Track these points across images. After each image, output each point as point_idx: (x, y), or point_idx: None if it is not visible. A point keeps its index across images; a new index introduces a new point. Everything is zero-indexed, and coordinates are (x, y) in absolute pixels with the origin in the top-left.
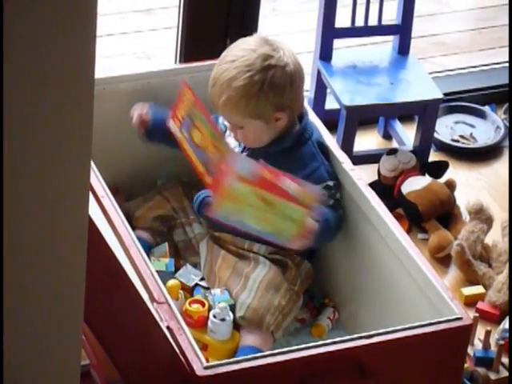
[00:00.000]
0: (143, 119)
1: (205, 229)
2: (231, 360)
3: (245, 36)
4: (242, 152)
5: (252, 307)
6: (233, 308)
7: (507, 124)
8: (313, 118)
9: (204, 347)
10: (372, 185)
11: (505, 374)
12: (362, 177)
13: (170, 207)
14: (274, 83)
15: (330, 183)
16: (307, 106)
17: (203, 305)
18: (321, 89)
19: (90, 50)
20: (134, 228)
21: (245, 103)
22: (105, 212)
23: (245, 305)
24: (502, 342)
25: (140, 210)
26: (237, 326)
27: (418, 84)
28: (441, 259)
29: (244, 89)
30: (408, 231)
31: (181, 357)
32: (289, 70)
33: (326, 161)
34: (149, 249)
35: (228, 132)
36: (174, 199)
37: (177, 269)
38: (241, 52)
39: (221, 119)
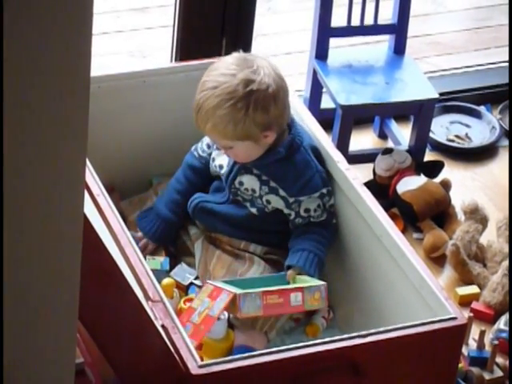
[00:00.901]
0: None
1: (200, 229)
2: (226, 359)
3: (241, 35)
4: (233, 168)
5: None
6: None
7: (503, 124)
8: (308, 117)
9: (199, 346)
10: (367, 184)
11: (499, 373)
12: (357, 176)
13: None
14: (258, 106)
15: (324, 190)
16: (303, 106)
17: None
18: (316, 88)
19: (85, 48)
20: (128, 229)
21: (231, 129)
22: (100, 211)
23: None
24: (496, 342)
25: (135, 214)
26: (231, 325)
27: (414, 84)
28: (436, 259)
29: (229, 116)
30: (403, 231)
31: (175, 355)
32: (271, 90)
33: (320, 165)
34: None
35: (216, 148)
36: None
37: (172, 268)
38: (221, 78)
39: (202, 144)
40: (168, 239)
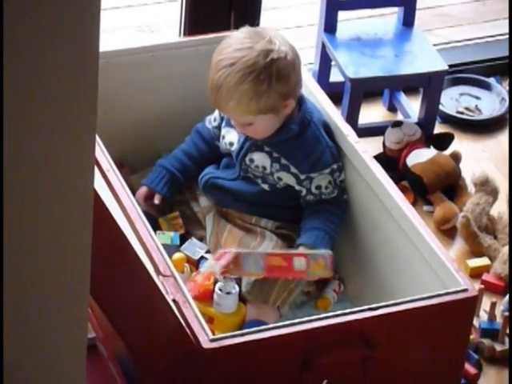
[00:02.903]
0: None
1: (211, 203)
2: (237, 333)
3: (249, 9)
4: (244, 145)
5: (258, 282)
6: (238, 281)
7: None
8: (317, 91)
9: (210, 320)
10: (377, 157)
11: None
12: (367, 149)
13: None
14: (280, 75)
15: (335, 166)
16: (312, 80)
17: (208, 278)
18: (325, 61)
19: (94, 23)
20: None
21: (255, 103)
22: (110, 186)
23: (251, 280)
24: (507, 314)
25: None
26: (243, 300)
27: (423, 56)
28: (446, 231)
29: (252, 90)
30: (413, 203)
31: (187, 330)
32: (290, 57)
33: (331, 140)
34: (154, 222)
35: (225, 125)
36: None
37: (182, 242)
38: (238, 53)
39: (212, 117)
40: (166, 187)
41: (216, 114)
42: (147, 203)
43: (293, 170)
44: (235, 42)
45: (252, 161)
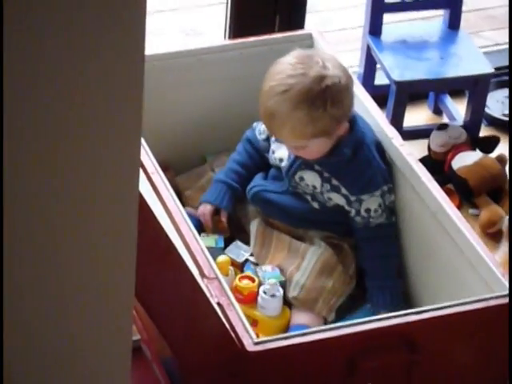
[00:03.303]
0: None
1: (257, 210)
2: (281, 336)
3: (294, 12)
4: (294, 163)
5: (306, 288)
6: (283, 284)
7: None
8: (362, 94)
9: (254, 323)
10: (422, 160)
11: None
12: (412, 152)
13: None
14: (334, 100)
15: (385, 188)
16: (357, 83)
17: (253, 281)
18: (370, 64)
19: (140, 26)
20: (184, 205)
21: (310, 128)
22: (155, 188)
23: (298, 285)
24: None
25: (191, 190)
26: (289, 304)
27: (469, 58)
28: (492, 235)
29: (308, 116)
30: (459, 207)
31: (231, 332)
32: (343, 81)
33: (382, 160)
34: (199, 225)
35: (275, 140)
36: None
37: (226, 245)
38: (291, 79)
39: (261, 128)
40: (229, 202)
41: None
42: (213, 220)
43: (343, 191)
44: (288, 68)
45: (302, 179)
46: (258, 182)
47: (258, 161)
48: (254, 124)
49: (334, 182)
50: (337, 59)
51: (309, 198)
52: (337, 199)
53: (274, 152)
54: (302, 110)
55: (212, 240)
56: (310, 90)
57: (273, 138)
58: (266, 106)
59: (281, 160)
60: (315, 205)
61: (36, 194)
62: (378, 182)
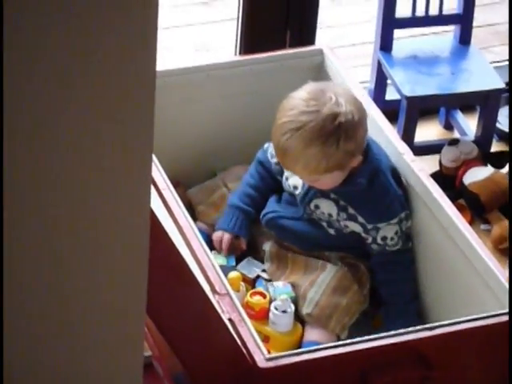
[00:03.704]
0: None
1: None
2: (293, 352)
3: (305, 28)
4: (309, 191)
5: (320, 305)
6: (294, 300)
7: None
8: (373, 109)
9: (265, 339)
10: (433, 176)
11: None
12: (423, 168)
13: None
14: (347, 136)
15: (403, 215)
16: (368, 98)
17: (264, 296)
18: (381, 79)
19: (151, 42)
20: (195, 219)
21: (324, 164)
22: (166, 205)
23: (313, 302)
24: None
25: (203, 205)
26: (302, 321)
27: (480, 74)
28: (504, 250)
29: (321, 153)
30: (470, 222)
31: (242, 349)
32: (357, 117)
33: (399, 187)
34: (209, 239)
35: (286, 170)
36: None
37: (238, 262)
38: (304, 116)
39: (271, 151)
40: (247, 229)
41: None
42: (229, 248)
43: (360, 219)
44: (300, 104)
45: (317, 207)
46: (271, 207)
47: (271, 183)
48: (266, 145)
49: (351, 210)
50: (350, 93)
51: (324, 224)
52: (353, 227)
53: (287, 179)
54: (316, 147)
55: (223, 258)
56: (323, 127)
57: None
58: (278, 141)
59: (295, 187)
60: (331, 231)
61: (47, 211)
62: (396, 210)
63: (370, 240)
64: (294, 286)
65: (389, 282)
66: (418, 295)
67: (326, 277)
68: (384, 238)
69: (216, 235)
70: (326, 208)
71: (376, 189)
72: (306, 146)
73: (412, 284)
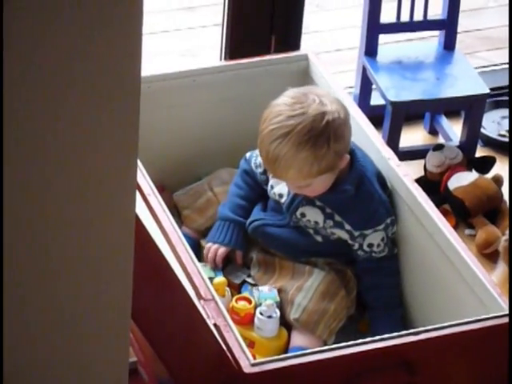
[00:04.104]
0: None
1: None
2: (278, 357)
3: (290, 33)
4: (294, 199)
5: (307, 310)
6: (279, 306)
7: None
8: (358, 114)
9: (251, 344)
10: (418, 181)
11: None
12: (408, 173)
13: (215, 212)
14: (336, 135)
15: (389, 221)
16: (353, 103)
17: (250, 302)
18: (366, 85)
19: (135, 48)
20: (181, 223)
21: (316, 166)
22: (151, 210)
23: (300, 307)
24: None
25: (189, 210)
26: (289, 326)
27: (465, 79)
28: (488, 255)
29: (313, 155)
30: (455, 227)
31: (228, 354)
32: (342, 115)
33: (384, 193)
34: (195, 244)
35: (273, 178)
36: (225, 198)
37: (223, 267)
38: (292, 120)
39: (258, 161)
40: (243, 242)
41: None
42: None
43: (347, 227)
44: (286, 109)
45: (304, 215)
46: (257, 215)
47: (260, 191)
48: (248, 155)
49: (337, 218)
50: (330, 94)
51: (311, 231)
52: (340, 234)
53: (272, 187)
54: (307, 150)
55: (210, 270)
56: (312, 128)
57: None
58: (267, 150)
59: (280, 196)
60: (318, 238)
61: (31, 216)
62: (382, 217)
63: (356, 246)
64: (280, 290)
65: (374, 288)
66: (403, 301)
67: (314, 282)
68: (370, 245)
69: (211, 248)
70: (313, 216)
71: (362, 195)
72: (297, 150)
73: (397, 290)
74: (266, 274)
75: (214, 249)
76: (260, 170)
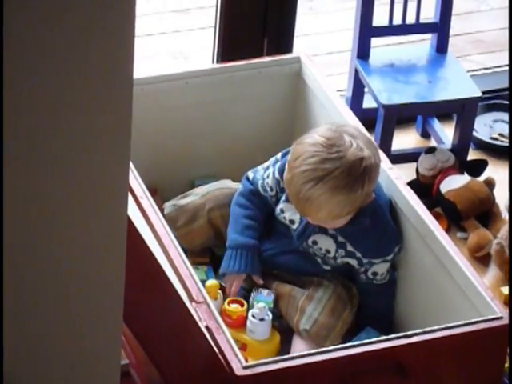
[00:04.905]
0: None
1: None
2: (270, 360)
3: (282, 36)
4: (307, 227)
5: (318, 324)
6: (272, 310)
7: None
8: (350, 117)
9: (243, 347)
10: (410, 184)
11: None
12: (400, 176)
13: (212, 235)
14: (370, 179)
15: (397, 249)
16: (345, 106)
17: (242, 304)
18: (358, 88)
19: (128, 50)
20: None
21: (348, 209)
22: (143, 213)
23: (311, 319)
24: None
25: (183, 230)
26: (277, 328)
27: (457, 82)
28: (480, 258)
29: (346, 199)
30: (447, 230)
31: (220, 357)
32: (377, 159)
33: (393, 222)
34: (185, 252)
35: (285, 200)
36: (224, 223)
37: (216, 273)
38: (328, 164)
39: (267, 184)
40: (258, 265)
41: (270, 181)
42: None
43: (358, 255)
44: (322, 151)
45: (315, 243)
46: (264, 244)
47: (267, 212)
48: (250, 176)
49: (350, 248)
50: (362, 132)
51: (319, 260)
52: (350, 261)
53: (283, 211)
54: (342, 195)
55: (202, 272)
56: (350, 174)
57: (283, 197)
58: (299, 190)
59: (291, 221)
60: (326, 267)
61: (22, 217)
62: (392, 246)
63: (361, 270)
64: (283, 295)
65: (368, 307)
66: (395, 303)
67: (324, 294)
68: (374, 274)
69: (228, 281)
70: (324, 244)
71: (376, 226)
72: (332, 194)
73: (390, 311)
74: (264, 279)
75: (230, 284)
76: (272, 194)
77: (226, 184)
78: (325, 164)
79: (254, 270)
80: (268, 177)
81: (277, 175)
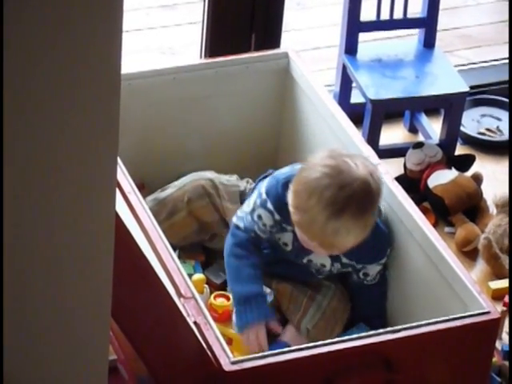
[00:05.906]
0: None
1: None
2: (258, 355)
3: (270, 31)
4: (300, 250)
5: (319, 327)
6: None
7: None
8: (338, 112)
9: (229, 341)
10: (398, 179)
11: None
12: (388, 171)
13: (196, 226)
14: (380, 197)
15: (388, 251)
16: (333, 101)
17: (228, 299)
18: (346, 83)
19: (116, 45)
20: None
21: (361, 236)
22: (131, 208)
23: (314, 319)
24: None
25: (165, 224)
26: (286, 320)
27: (444, 77)
28: (468, 253)
29: (362, 228)
30: (435, 225)
31: (208, 352)
32: (379, 175)
33: (384, 225)
34: (174, 249)
35: (279, 231)
36: (205, 213)
37: (204, 269)
38: (347, 190)
39: (258, 224)
40: (271, 309)
41: (266, 220)
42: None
43: (352, 263)
44: (333, 181)
45: (310, 261)
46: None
47: (262, 253)
48: (241, 225)
49: (345, 260)
50: (354, 153)
51: (313, 271)
52: (344, 270)
53: (279, 239)
54: (367, 214)
55: (189, 267)
56: (368, 192)
57: (275, 229)
58: (325, 227)
59: (285, 244)
60: (320, 277)
61: (9, 215)
62: (384, 252)
63: (352, 271)
64: (285, 290)
65: (361, 307)
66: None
67: (326, 295)
68: (365, 275)
69: (252, 334)
70: (319, 261)
71: (372, 238)
72: (358, 217)
73: (382, 311)
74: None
75: (255, 337)
76: (270, 230)
77: (204, 175)
78: (343, 192)
79: (271, 315)
80: (260, 217)
81: (271, 209)
